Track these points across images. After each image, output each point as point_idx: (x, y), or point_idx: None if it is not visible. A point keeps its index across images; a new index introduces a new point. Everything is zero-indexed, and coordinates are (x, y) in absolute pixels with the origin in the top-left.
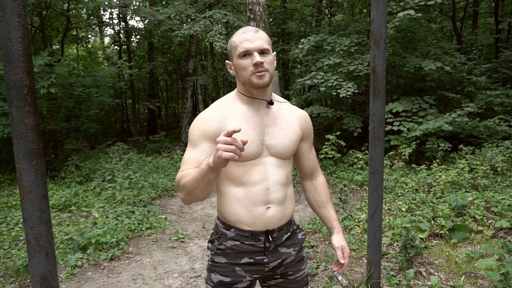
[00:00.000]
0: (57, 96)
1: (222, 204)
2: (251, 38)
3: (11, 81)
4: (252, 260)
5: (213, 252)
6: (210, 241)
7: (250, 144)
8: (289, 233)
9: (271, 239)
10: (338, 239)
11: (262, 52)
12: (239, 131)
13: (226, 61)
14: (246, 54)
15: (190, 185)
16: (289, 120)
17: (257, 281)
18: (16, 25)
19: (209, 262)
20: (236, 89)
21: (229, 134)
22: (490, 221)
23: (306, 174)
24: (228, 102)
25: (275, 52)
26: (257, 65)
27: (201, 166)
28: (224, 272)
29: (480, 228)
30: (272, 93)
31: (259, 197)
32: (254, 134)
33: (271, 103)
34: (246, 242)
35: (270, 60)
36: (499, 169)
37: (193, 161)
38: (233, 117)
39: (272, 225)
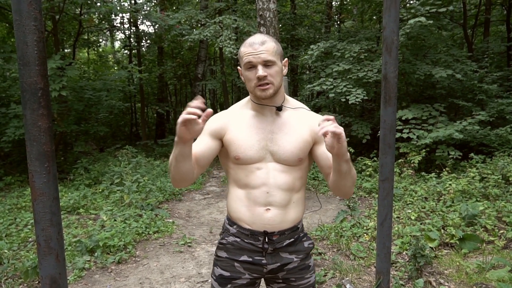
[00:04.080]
0: (68, 99)
1: (228, 202)
2: (255, 50)
3: (26, 84)
4: (250, 259)
5: (217, 246)
6: (220, 235)
7: (249, 148)
8: (292, 239)
9: (269, 241)
10: None
11: (266, 64)
12: (203, 102)
13: (238, 67)
14: (251, 66)
15: (169, 162)
16: (298, 127)
17: (262, 282)
18: (32, 29)
19: (214, 256)
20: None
21: (195, 106)
22: (501, 231)
23: (327, 172)
24: (240, 107)
25: (285, 59)
26: (259, 78)
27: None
28: (224, 267)
29: (491, 238)
30: (288, 98)
31: (258, 199)
32: (255, 139)
33: (279, 109)
34: (246, 240)
35: (275, 72)
36: (510, 179)
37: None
38: (237, 122)
39: (271, 227)
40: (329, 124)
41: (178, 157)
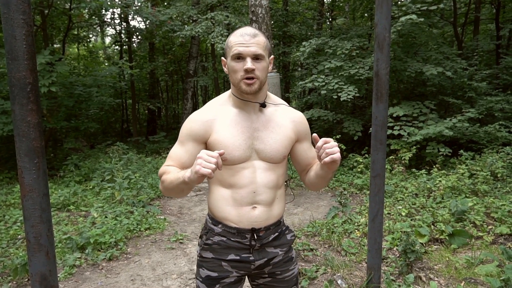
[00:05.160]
0: (58, 95)
1: (211, 201)
2: (246, 42)
3: (14, 79)
4: (238, 257)
5: (201, 247)
6: (200, 236)
7: (236, 148)
8: (276, 233)
9: (256, 238)
10: None
11: (256, 57)
12: (222, 154)
13: (222, 58)
14: (239, 57)
15: (167, 184)
16: (282, 124)
17: (246, 279)
18: (21, 23)
19: (198, 258)
20: (230, 89)
21: (213, 155)
22: (490, 227)
23: (306, 170)
24: (221, 103)
25: (272, 57)
26: (247, 71)
27: (179, 174)
28: (211, 267)
29: (480, 234)
30: (269, 94)
31: (245, 198)
32: (241, 138)
33: (263, 105)
34: (232, 239)
35: (262, 67)
36: (499, 175)
37: (177, 158)
38: (221, 121)
39: (258, 224)
40: (332, 150)
41: (186, 190)
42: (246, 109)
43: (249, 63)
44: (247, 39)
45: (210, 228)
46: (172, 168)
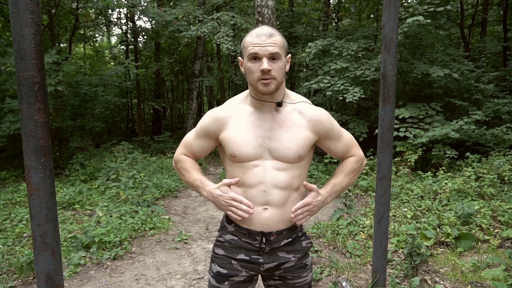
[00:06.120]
0: (64, 94)
1: None
2: (263, 42)
3: (22, 78)
4: (247, 258)
5: (214, 243)
6: (218, 231)
7: (246, 145)
8: (290, 239)
9: (266, 241)
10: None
11: (273, 57)
12: (236, 183)
13: (239, 57)
14: (256, 57)
15: (182, 177)
16: (298, 124)
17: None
18: (29, 22)
19: (212, 253)
20: (248, 89)
21: (238, 200)
22: (496, 230)
23: (339, 158)
24: (239, 102)
25: (289, 55)
26: (264, 72)
27: (196, 182)
28: (221, 264)
29: (487, 237)
30: (288, 93)
31: (255, 198)
32: (252, 136)
33: (279, 105)
34: (243, 239)
35: (278, 67)
36: (506, 178)
37: (189, 147)
38: (236, 119)
39: (268, 227)
40: (302, 215)
41: (197, 191)
42: (262, 109)
43: (265, 64)
44: (263, 39)
45: (224, 226)
46: (189, 162)
